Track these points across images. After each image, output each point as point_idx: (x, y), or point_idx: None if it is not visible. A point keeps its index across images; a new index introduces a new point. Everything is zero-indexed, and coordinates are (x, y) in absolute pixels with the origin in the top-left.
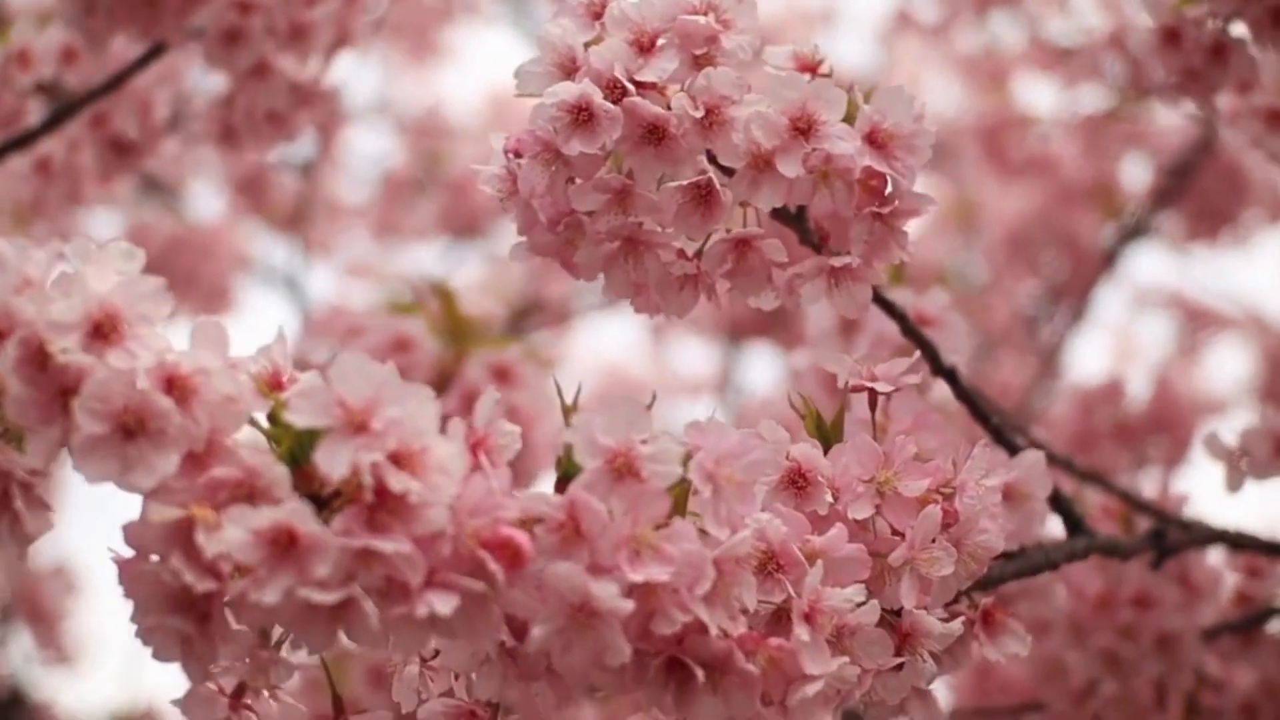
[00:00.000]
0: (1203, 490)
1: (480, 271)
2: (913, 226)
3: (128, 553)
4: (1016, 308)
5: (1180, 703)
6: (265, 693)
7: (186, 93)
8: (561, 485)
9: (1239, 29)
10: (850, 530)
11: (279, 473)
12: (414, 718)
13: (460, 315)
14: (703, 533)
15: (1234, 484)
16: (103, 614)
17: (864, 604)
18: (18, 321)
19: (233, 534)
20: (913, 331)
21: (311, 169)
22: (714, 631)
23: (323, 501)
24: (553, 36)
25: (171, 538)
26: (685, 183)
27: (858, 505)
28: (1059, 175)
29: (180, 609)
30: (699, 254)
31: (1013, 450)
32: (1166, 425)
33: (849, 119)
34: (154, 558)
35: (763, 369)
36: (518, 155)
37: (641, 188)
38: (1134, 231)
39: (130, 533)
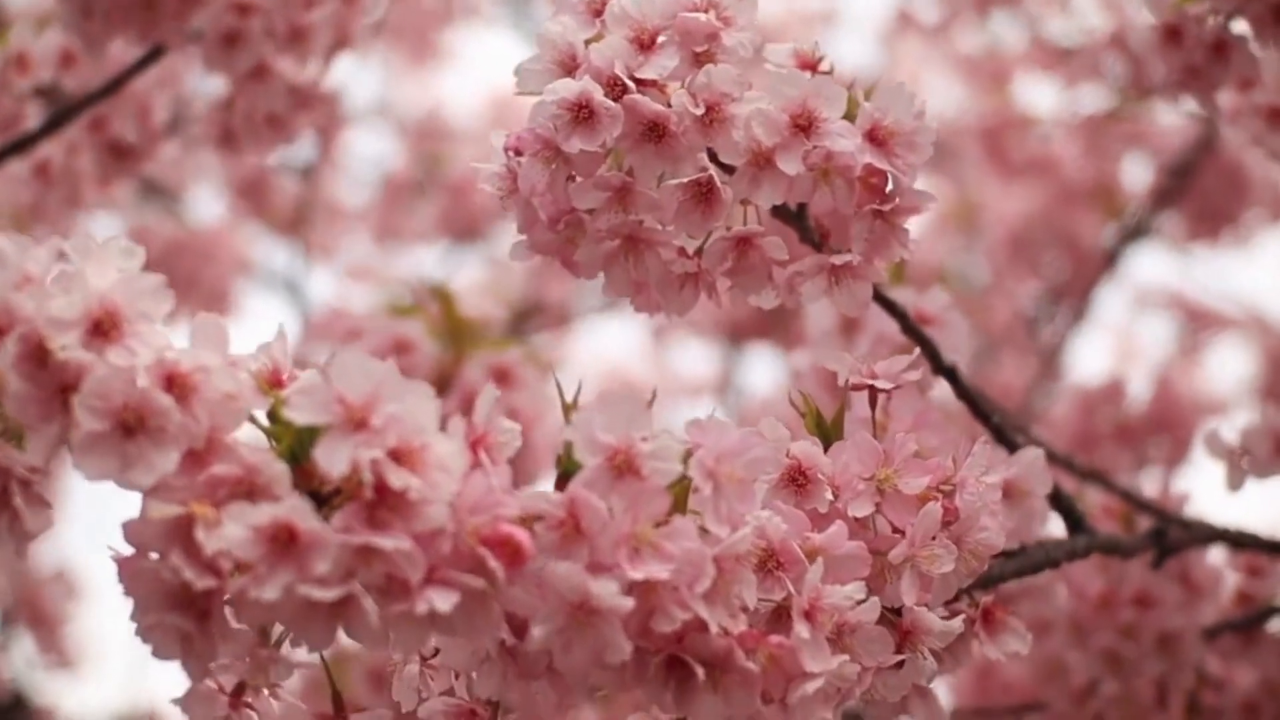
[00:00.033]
0: (1204, 490)
1: (481, 274)
2: (913, 226)
3: (127, 550)
4: (1017, 308)
5: (1181, 702)
6: (265, 691)
7: (186, 96)
8: (562, 483)
9: (1240, 26)
10: (850, 528)
11: (279, 470)
12: (414, 717)
13: (460, 317)
14: (703, 530)
15: (1235, 482)
16: (104, 618)
17: (864, 601)
18: (18, 318)
19: (232, 531)
20: (913, 330)
21: (312, 172)
22: (714, 629)
23: (323, 499)
24: (553, 34)
25: (171, 535)
26: (686, 180)
27: (858, 503)
28: (1060, 175)
29: (180, 606)
30: (699, 252)
31: (1013, 449)
32: (1167, 425)
33: (850, 116)
34: (154, 555)
35: (763, 371)
36: (518, 153)
37: (642, 185)
38: (1135, 232)
39: (130, 530)
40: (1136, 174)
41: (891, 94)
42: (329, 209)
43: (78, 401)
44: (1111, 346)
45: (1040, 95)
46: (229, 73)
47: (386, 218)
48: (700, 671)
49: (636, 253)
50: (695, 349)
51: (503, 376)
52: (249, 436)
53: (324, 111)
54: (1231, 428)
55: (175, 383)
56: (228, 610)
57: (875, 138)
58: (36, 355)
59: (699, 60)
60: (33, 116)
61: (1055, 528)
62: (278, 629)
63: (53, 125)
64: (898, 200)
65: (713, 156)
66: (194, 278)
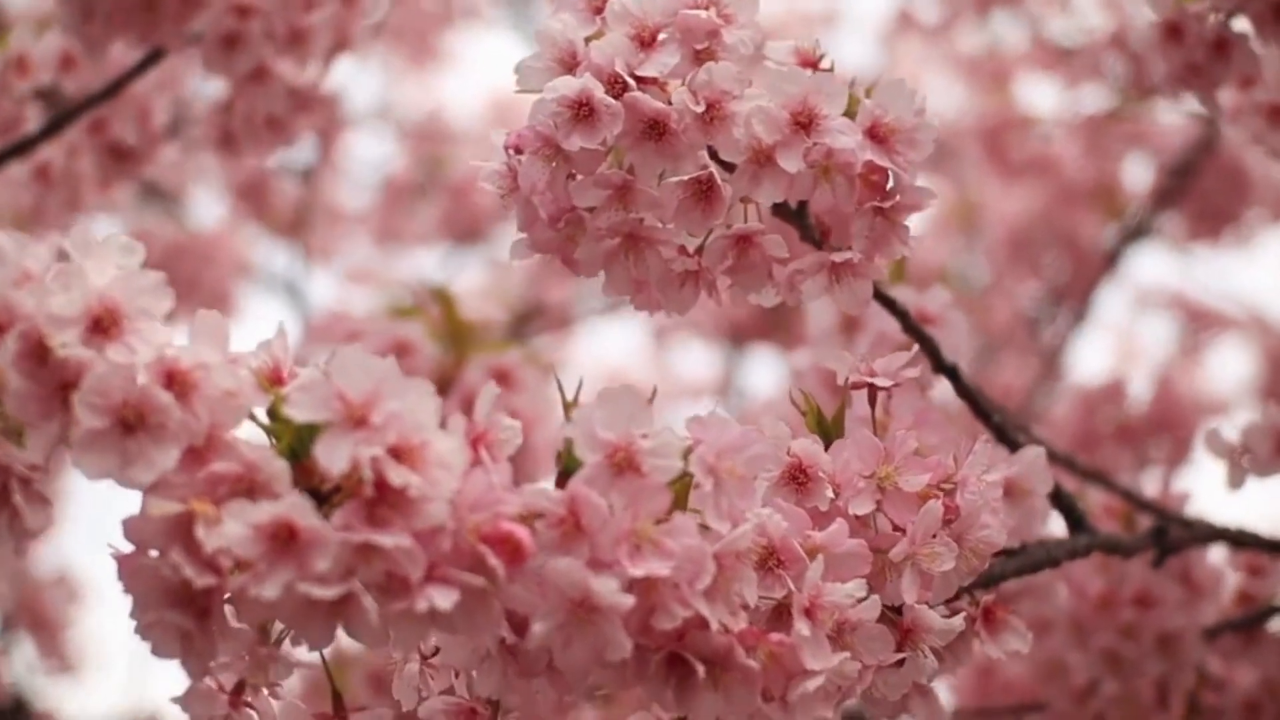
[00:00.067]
0: (1204, 489)
1: (482, 276)
2: (915, 225)
3: (127, 548)
4: (1018, 309)
5: (1182, 702)
6: (265, 690)
7: (186, 98)
8: (562, 480)
9: (1241, 24)
10: (851, 526)
11: (279, 467)
12: (415, 716)
13: (460, 320)
14: (703, 527)
15: (1236, 481)
16: (106, 622)
17: (865, 599)
18: (17, 315)
19: (232, 529)
20: (914, 329)
21: (312, 174)
22: (715, 627)
23: (323, 496)
24: (553, 31)
25: (171, 532)
26: (686, 178)
27: (859, 501)
28: (1060, 176)
29: (180, 604)
30: (700, 250)
31: (1014, 448)
32: (1168, 426)
33: (850, 114)
34: (153, 553)
35: (765, 372)
36: (518, 151)
37: (642, 183)
38: (1136, 232)
39: (130, 528)
40: (1137, 174)
41: (892, 91)
42: (329, 211)
43: (78, 399)
44: (1112, 347)
45: (1041, 95)
46: (229, 75)
47: (387, 220)
48: (701, 669)
49: (637, 251)
50: (696, 351)
51: (503, 378)
52: (249, 434)
53: (324, 114)
54: (1232, 427)
55: (175, 380)
56: (228, 608)
57: (876, 135)
58: (36, 352)
59: (700, 58)
60: (33, 119)
61: (1056, 527)
62: (278, 627)
63: (53, 128)
64: (898, 197)
65: (713, 154)
66: (194, 280)
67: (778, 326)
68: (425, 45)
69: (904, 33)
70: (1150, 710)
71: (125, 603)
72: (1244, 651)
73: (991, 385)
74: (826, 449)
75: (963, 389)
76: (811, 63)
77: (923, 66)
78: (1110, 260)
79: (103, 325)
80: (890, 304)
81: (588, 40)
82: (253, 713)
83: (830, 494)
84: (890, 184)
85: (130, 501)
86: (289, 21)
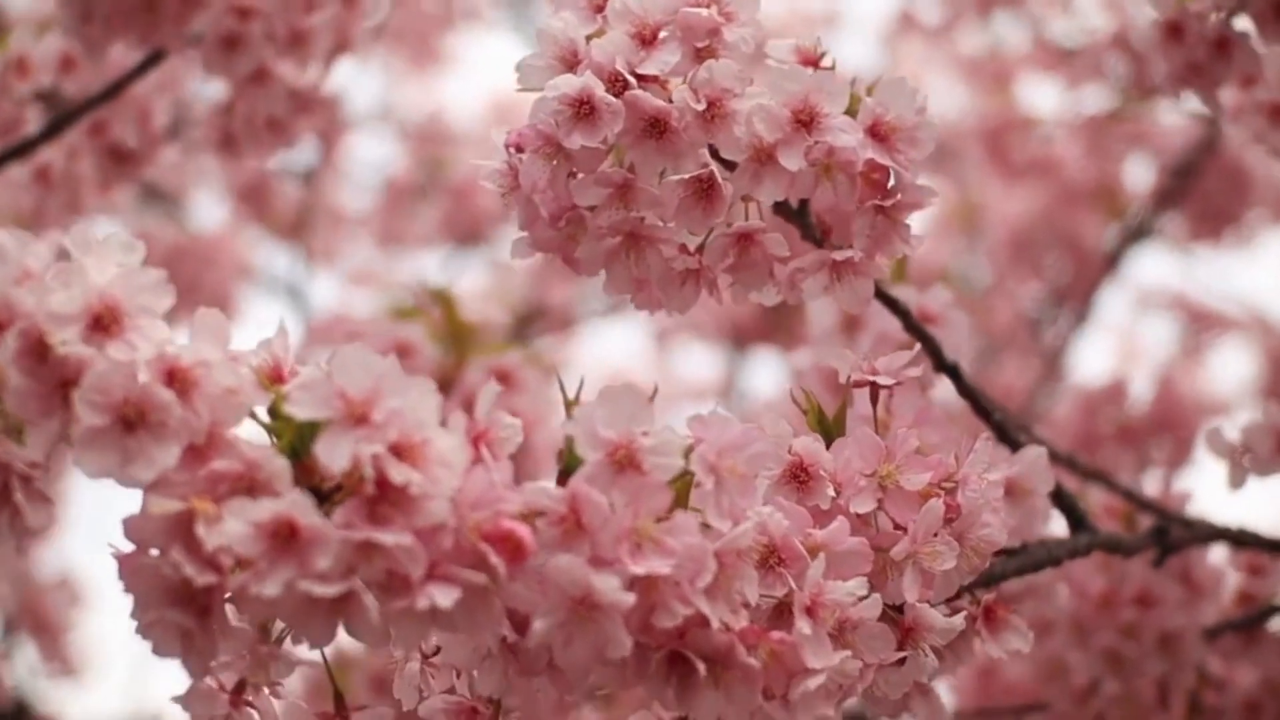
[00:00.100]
0: (1205, 489)
1: (483, 278)
2: (917, 225)
3: (128, 547)
4: (1020, 310)
5: (1182, 702)
6: (265, 689)
7: (186, 100)
8: (563, 479)
9: (1242, 23)
10: (852, 524)
11: (279, 465)
12: (416, 715)
13: (461, 321)
14: (704, 525)
15: (1236, 480)
16: (108, 626)
17: (866, 598)
18: (18, 313)
19: (233, 527)
20: (915, 328)
21: (313, 177)
22: (716, 625)
23: (324, 495)
24: (554, 30)
25: (172, 531)
26: (687, 176)
27: (860, 499)
28: (1062, 176)
29: (180, 603)
30: (701, 249)
31: (1015, 447)
32: (1169, 426)
33: (851, 112)
34: (154, 551)
35: (766, 374)
36: (519, 150)
37: (643, 182)
38: (1137, 233)
39: (130, 526)
40: (1138, 175)
41: (893, 89)
42: (331, 214)
43: (78, 396)
44: (1114, 347)
45: (1042, 96)
46: (229, 77)
47: (388, 222)
48: (702, 667)
49: (638, 249)
50: (698, 352)
51: (504, 379)
52: (250, 432)
53: (324, 115)
54: (1233, 427)
55: (176, 377)
56: (228, 607)
57: (877, 133)
58: (37, 350)
59: (700, 56)
60: (33, 121)
61: (1057, 526)
62: (279, 626)
63: (53, 130)
64: (899, 196)
65: (714, 152)
66: (195, 283)
67: (779, 328)
68: (426, 47)
69: (905, 33)
70: (1151, 710)
71: (126, 604)
72: (1245, 651)
73: (993, 386)
74: (828, 447)
75: (964, 388)
76: (813, 61)
77: (924, 67)
78: (1112, 261)
79: (103, 323)
80: (891, 303)
81: (589, 38)
82: (253, 712)
83: (831, 492)
84: (891, 182)
85: (131, 503)
86: (289, 23)
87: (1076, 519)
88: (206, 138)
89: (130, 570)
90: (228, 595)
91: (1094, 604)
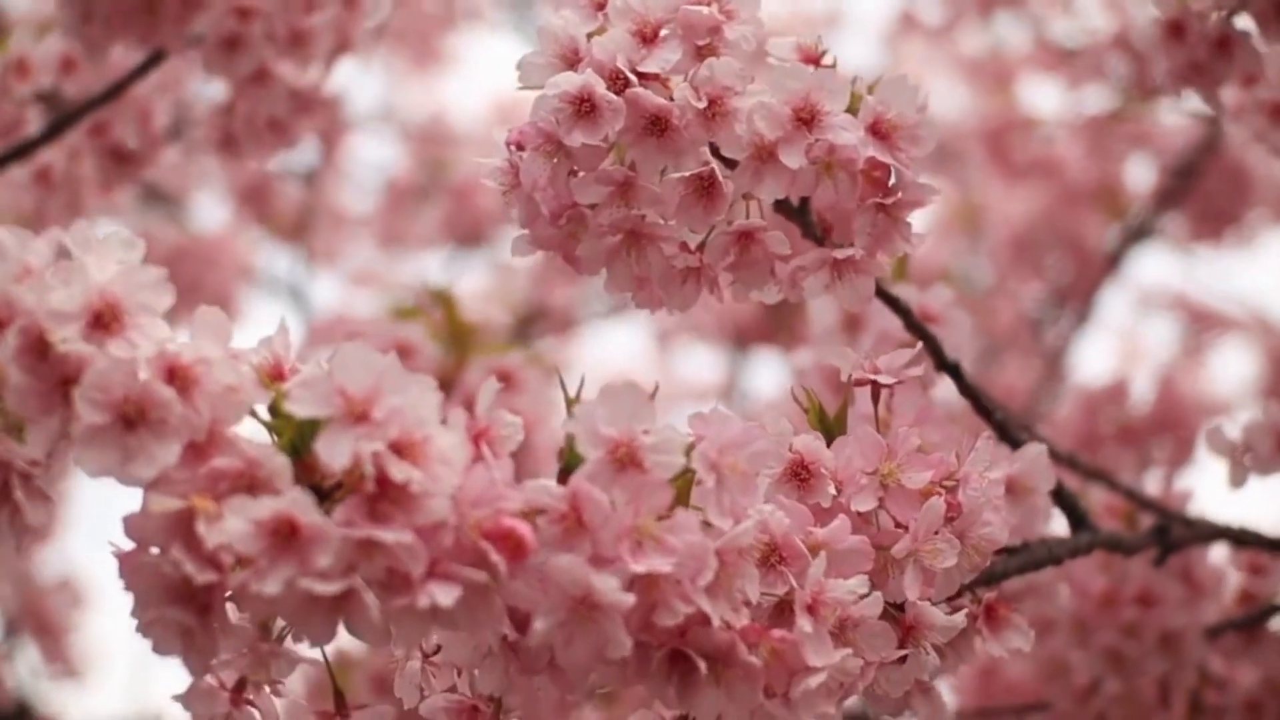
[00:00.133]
0: (1206, 489)
1: (485, 279)
2: (919, 224)
3: (128, 546)
4: (1021, 310)
5: (1184, 701)
6: (266, 687)
7: (187, 101)
8: (564, 477)
9: (1244, 22)
10: (853, 522)
11: (280, 463)
12: (416, 714)
13: (462, 321)
14: (705, 524)
15: (1237, 480)
16: (109, 627)
17: (867, 596)
18: (18, 310)
19: (234, 525)
20: (916, 327)
21: (315, 178)
22: (717, 623)
23: (324, 493)
24: (555, 27)
25: (172, 529)
26: (688, 174)
27: (861, 497)
28: (1063, 177)
29: (181, 601)
30: (701, 247)
31: (1016, 446)
32: (1171, 426)
33: (852, 110)
34: (154, 550)
35: (768, 375)
36: (520, 148)
37: (644, 180)
38: (1138, 233)
39: (131, 524)
40: (1140, 175)
41: (894, 88)
42: (332, 214)
43: (78, 394)
44: (1115, 348)
45: (1044, 96)
46: (230, 77)
47: (390, 223)
48: (703, 666)
49: (639, 248)
50: (700, 353)
51: (505, 379)
52: (250, 430)
53: (325, 116)
54: (1234, 425)
55: (176, 375)
56: (229, 605)
57: (878, 131)
58: (37, 348)
59: (701, 54)
60: (34, 122)
61: (1058, 525)
62: (279, 624)
63: (54, 131)
64: (900, 194)
65: (715, 150)
66: (197, 284)
67: (781, 329)
68: (427, 48)
69: (907, 34)
70: (1152, 709)
71: (127, 604)
72: (1246, 650)
73: (994, 386)
74: (829, 446)
75: (965, 387)
76: (814, 59)
77: (925, 68)
78: (1113, 261)
79: (104, 320)
80: (892, 302)
81: (590, 36)
82: (254, 710)
83: (832, 490)
84: (892, 180)
85: (132, 502)
86: (290, 23)
87: (1077, 518)
88: (207, 138)
89: (130, 568)
90: (228, 593)
91: (1095, 603)
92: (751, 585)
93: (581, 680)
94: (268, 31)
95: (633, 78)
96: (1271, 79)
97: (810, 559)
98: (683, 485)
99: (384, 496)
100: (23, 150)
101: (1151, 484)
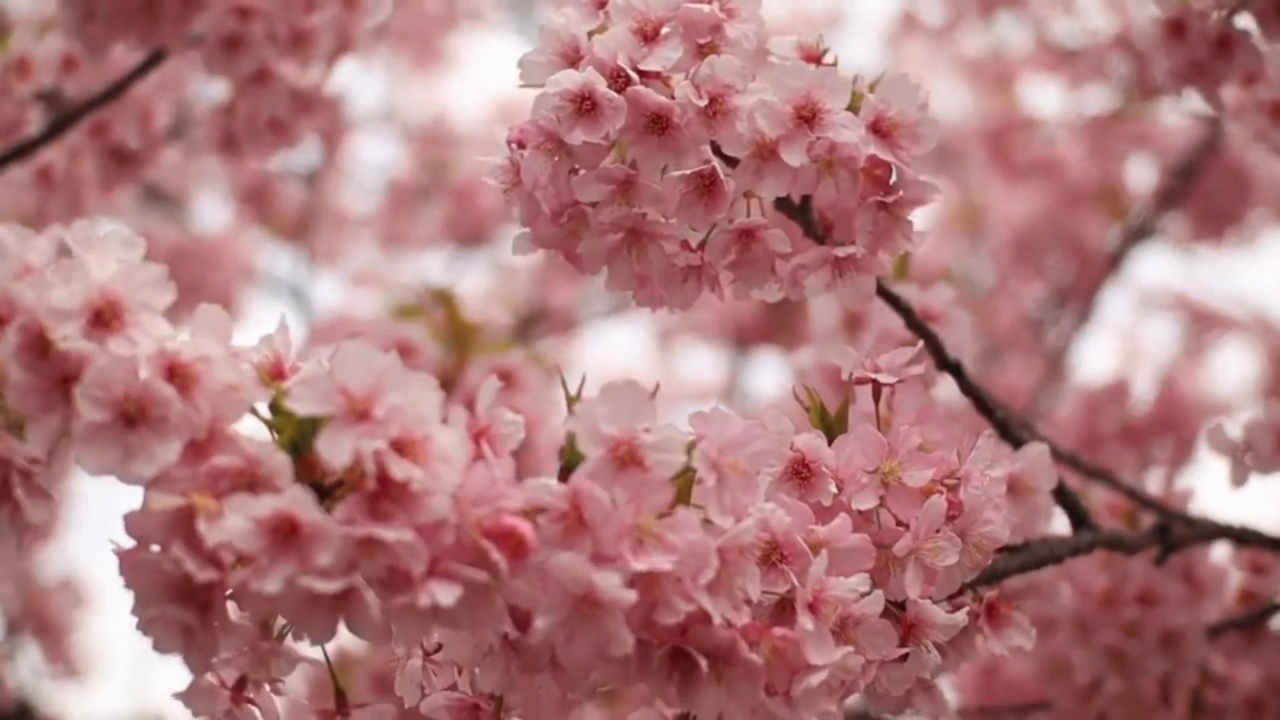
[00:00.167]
0: (1208, 488)
1: (486, 279)
2: (921, 223)
3: (129, 543)
4: (1022, 310)
5: (1185, 700)
6: (267, 686)
7: (188, 100)
8: (565, 475)
9: (1244, 21)
10: (854, 521)
11: (280, 461)
12: (417, 712)
13: (463, 321)
14: (706, 522)
15: (1239, 478)
16: (111, 627)
17: (868, 594)
18: (18, 308)
19: (234, 523)
20: (918, 325)
21: (316, 178)
22: (718, 621)
23: (325, 491)
24: (556, 26)
25: (172, 527)
26: (689, 173)
27: (862, 496)
28: (1064, 177)
29: (181, 599)
30: (703, 245)
31: (1018, 445)
32: (1172, 426)
33: (853, 108)
34: (155, 548)
35: (769, 375)
36: (521, 146)
37: (645, 178)
38: (1139, 233)
39: (131, 522)
40: (1141, 175)
41: (895, 86)
42: (334, 215)
43: (79, 392)
44: (1116, 348)
45: (1045, 97)
46: (230, 77)
47: (391, 223)
48: (704, 664)
49: (639, 246)
50: (701, 353)
51: (506, 379)
52: (251, 428)
53: (326, 116)
54: (1235, 424)
55: (177, 373)
56: (229, 603)
57: (879, 129)
58: (37, 345)
59: (702, 52)
60: (34, 122)
61: (1060, 525)
62: (280, 622)
63: (54, 131)
64: (901, 192)
65: (716, 149)
66: (198, 284)
67: (782, 328)
68: (429, 48)
69: (908, 34)
70: (1153, 708)
71: (127, 601)
72: (1247, 649)
73: (996, 386)
74: (830, 444)
75: (966, 386)
76: (815, 57)
77: (927, 68)
78: (1114, 261)
79: (104, 318)
80: (894, 300)
81: (591, 34)
82: (254, 709)
83: (834, 489)
84: (893, 178)
85: (133, 501)
86: (291, 23)
87: (1079, 516)
88: (208, 138)
89: (131, 566)
90: (229, 591)
91: (1096, 602)
92: (753, 583)
93: (583, 678)
94: (268, 31)
95: (634, 76)
96: (1272, 78)
97: (811, 557)
98: (683, 484)
99: (385, 495)
100: (23, 150)
101: (1153, 483)
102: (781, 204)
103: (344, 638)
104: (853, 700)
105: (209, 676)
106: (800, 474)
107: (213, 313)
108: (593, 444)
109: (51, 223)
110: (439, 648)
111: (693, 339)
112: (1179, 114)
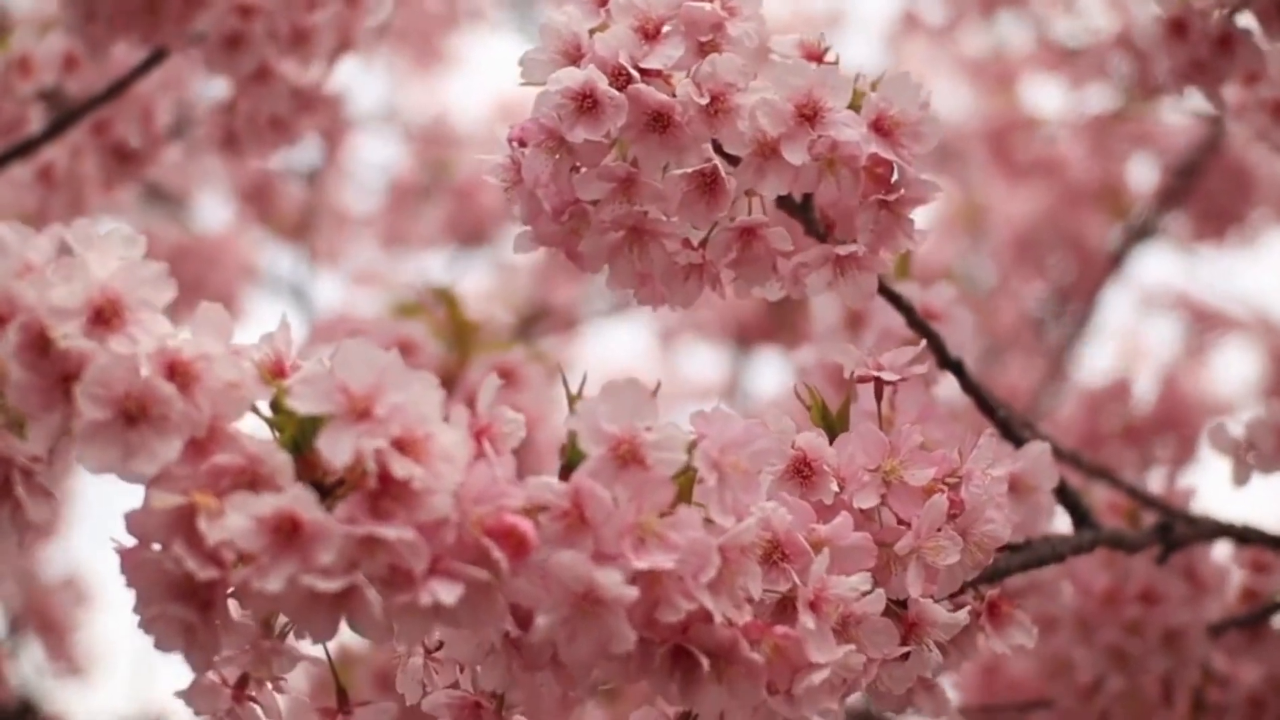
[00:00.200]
0: (1209, 487)
1: (488, 279)
2: (923, 222)
3: (130, 542)
4: (1024, 310)
5: (1187, 698)
6: (269, 684)
7: (189, 99)
8: (566, 474)
9: (1246, 20)
10: (856, 519)
11: (281, 460)
12: (419, 710)
13: (464, 319)
14: (708, 521)
15: (1240, 477)
16: (113, 625)
17: (870, 593)
18: (19, 306)
19: (235, 521)
20: (919, 324)
21: (317, 177)
22: (719, 619)
23: (326, 489)
24: (557, 24)
25: (174, 525)
26: (690, 171)
27: (863, 494)
28: (1066, 177)
29: (182, 597)
30: (704, 243)
31: (1019, 444)
32: (1173, 426)
33: (855, 107)
34: (156, 546)
35: (771, 374)
36: (522, 144)
37: (646, 176)
38: (1141, 232)
39: (132, 521)
40: (1142, 174)
41: (897, 85)
42: (335, 214)
43: (80, 390)
44: (1118, 347)
45: (1046, 96)
46: (232, 75)
47: (393, 223)
48: (705, 662)
49: (641, 244)
50: (702, 353)
51: (507, 377)
52: (252, 427)
53: (327, 114)
54: (1237, 423)
55: (178, 371)
56: (231, 602)
57: (880, 128)
58: (38, 344)
59: (704, 50)
60: (36, 120)
61: (1061, 523)
62: (281, 621)
63: (56, 129)
64: (903, 190)
65: (717, 147)
66: (199, 283)
67: (783, 327)
68: (430, 48)
69: (909, 34)
70: (1155, 707)
71: (129, 599)
72: (1248, 648)
73: (997, 386)
74: (831, 443)
75: (968, 384)
76: (816, 56)
77: (928, 68)
78: (1115, 261)
79: (104, 316)
80: (895, 299)
81: (592, 32)
82: (256, 707)
83: (835, 488)
84: (895, 177)
85: (135, 499)
86: (292, 21)
87: (1080, 515)
88: (209, 137)
89: (132, 565)
90: (230, 590)
91: (1098, 600)
92: (754, 582)
93: (584, 677)
94: (270, 30)
95: (635, 74)
96: (1274, 77)
97: (813, 556)
98: (685, 482)
99: (386, 493)
100: (25, 148)
101: (1154, 482)
102: (783, 202)
103: (345, 636)
104: (854, 699)
105: (211, 675)
106: (802, 472)
107: (214, 311)
108: (594, 442)
109: (53, 221)
110: (440, 646)
111: (694, 337)
112: (1180, 113)
